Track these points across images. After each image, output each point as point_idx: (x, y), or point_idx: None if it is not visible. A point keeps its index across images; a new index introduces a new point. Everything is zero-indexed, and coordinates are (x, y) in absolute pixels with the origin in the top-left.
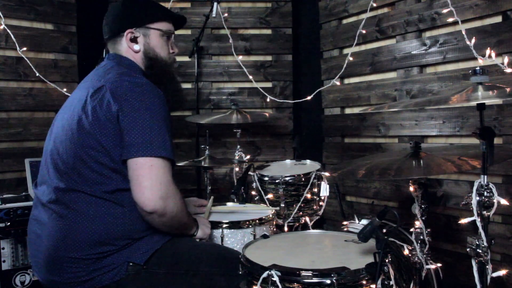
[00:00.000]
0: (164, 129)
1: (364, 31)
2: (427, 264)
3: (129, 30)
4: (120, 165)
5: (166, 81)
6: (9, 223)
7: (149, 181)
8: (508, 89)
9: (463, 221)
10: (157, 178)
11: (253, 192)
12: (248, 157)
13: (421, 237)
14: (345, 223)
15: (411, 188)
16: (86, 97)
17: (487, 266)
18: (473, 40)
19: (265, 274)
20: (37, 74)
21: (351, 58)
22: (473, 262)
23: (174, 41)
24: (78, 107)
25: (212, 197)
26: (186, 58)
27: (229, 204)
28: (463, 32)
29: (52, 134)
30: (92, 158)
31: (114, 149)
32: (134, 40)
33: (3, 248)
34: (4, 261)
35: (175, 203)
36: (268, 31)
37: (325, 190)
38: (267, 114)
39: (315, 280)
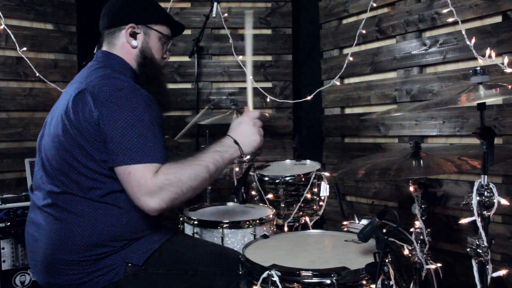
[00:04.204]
0: (146, 133)
1: (364, 31)
2: (427, 264)
3: (131, 24)
4: (108, 169)
5: (155, 84)
6: (9, 223)
7: (133, 189)
8: (510, 86)
9: (463, 221)
10: (139, 185)
11: (253, 192)
12: (248, 157)
13: (421, 237)
14: (345, 223)
15: (411, 188)
16: (69, 101)
17: (487, 266)
18: (473, 40)
19: (265, 274)
20: (37, 74)
21: (351, 58)
22: (473, 262)
23: (169, 48)
24: (62, 112)
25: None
26: (186, 58)
27: (229, 204)
28: (463, 32)
29: (41, 139)
30: (80, 163)
31: (99, 154)
32: (133, 35)
33: (3, 248)
34: (4, 261)
35: (171, 189)
36: (268, 31)
37: (325, 190)
38: (267, 114)
39: (315, 280)
